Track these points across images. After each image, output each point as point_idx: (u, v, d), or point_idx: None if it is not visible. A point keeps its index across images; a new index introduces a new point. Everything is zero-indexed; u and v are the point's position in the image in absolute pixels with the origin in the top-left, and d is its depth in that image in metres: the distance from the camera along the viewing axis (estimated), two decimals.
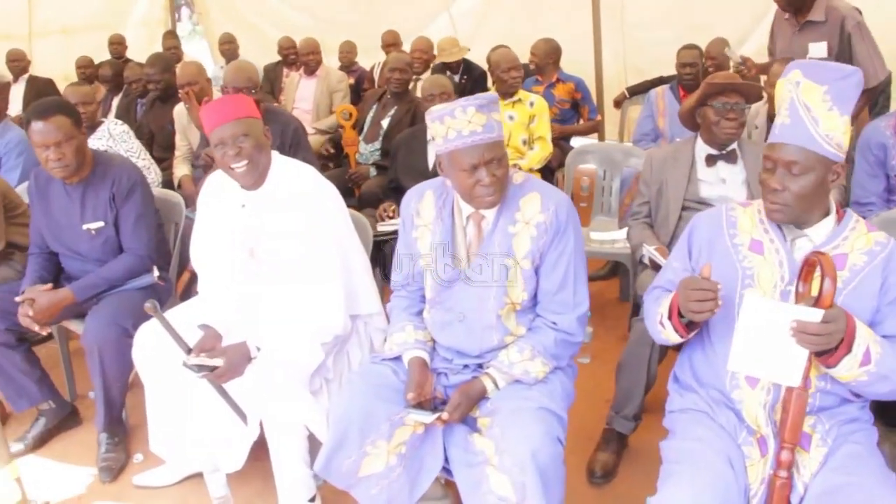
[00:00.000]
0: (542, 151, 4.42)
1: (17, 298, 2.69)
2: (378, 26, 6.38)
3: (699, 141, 3.00)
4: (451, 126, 1.99)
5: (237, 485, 2.56)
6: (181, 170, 4.23)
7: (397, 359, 2.26)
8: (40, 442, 2.94)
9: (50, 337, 3.08)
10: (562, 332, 2.15)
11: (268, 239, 2.44)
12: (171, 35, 7.12)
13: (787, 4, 3.88)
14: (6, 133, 3.90)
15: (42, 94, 5.81)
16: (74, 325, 2.92)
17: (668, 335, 1.95)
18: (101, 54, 6.78)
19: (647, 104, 4.67)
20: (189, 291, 3.45)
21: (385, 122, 4.41)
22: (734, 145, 2.95)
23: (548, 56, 5.09)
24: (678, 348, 2.15)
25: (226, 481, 2.50)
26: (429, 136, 3.69)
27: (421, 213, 2.25)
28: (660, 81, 5.58)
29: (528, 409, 2.01)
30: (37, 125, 2.63)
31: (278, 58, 6.43)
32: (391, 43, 5.99)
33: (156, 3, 7.79)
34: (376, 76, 6.16)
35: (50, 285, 2.77)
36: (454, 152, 2.01)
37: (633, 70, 6.10)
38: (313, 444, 2.36)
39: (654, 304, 2.02)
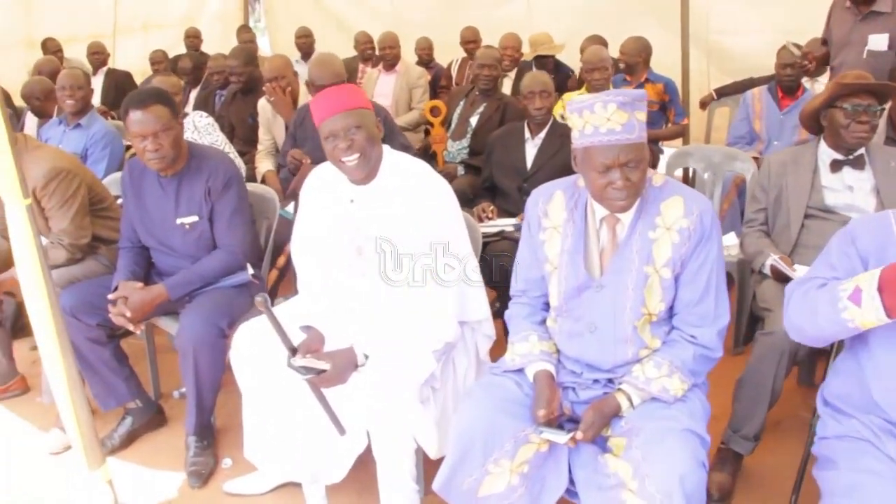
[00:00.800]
0: None
1: (111, 296, 2.59)
2: (453, 22, 6.23)
3: (822, 145, 2.79)
4: (588, 121, 1.84)
5: (332, 495, 2.42)
6: (265, 165, 4.12)
7: (519, 370, 2.09)
8: (126, 442, 2.84)
9: (130, 333, 2.98)
10: (701, 346, 1.97)
11: (378, 235, 2.29)
12: (245, 29, 7.08)
13: None
14: (92, 124, 3.86)
15: (120, 87, 5.82)
16: (164, 323, 2.82)
17: (863, 316, 1.61)
18: (177, 50, 6.80)
19: (743, 106, 4.43)
20: (275, 291, 3.32)
21: (473, 120, 4.26)
22: (862, 150, 2.73)
23: (638, 54, 4.87)
24: (817, 364, 1.92)
25: (325, 493, 2.37)
26: (526, 136, 3.52)
27: (549, 215, 2.08)
28: (750, 83, 5.33)
29: (672, 430, 1.83)
30: (135, 114, 2.53)
31: (352, 53, 6.33)
32: (471, 40, 5.83)
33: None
34: (454, 73, 6.01)
35: (141, 283, 2.65)
36: (589, 149, 1.86)
37: (716, 72, 5.85)
38: (417, 457, 2.22)
39: (820, 291, 1.74)
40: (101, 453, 2.29)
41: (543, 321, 2.16)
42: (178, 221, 2.71)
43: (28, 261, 2.08)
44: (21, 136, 3.05)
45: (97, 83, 5.90)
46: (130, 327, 2.57)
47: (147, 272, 2.82)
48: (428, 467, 2.28)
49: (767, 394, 2.38)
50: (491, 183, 3.57)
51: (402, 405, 2.13)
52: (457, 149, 4.26)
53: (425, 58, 6.21)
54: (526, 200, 3.22)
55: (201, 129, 3.85)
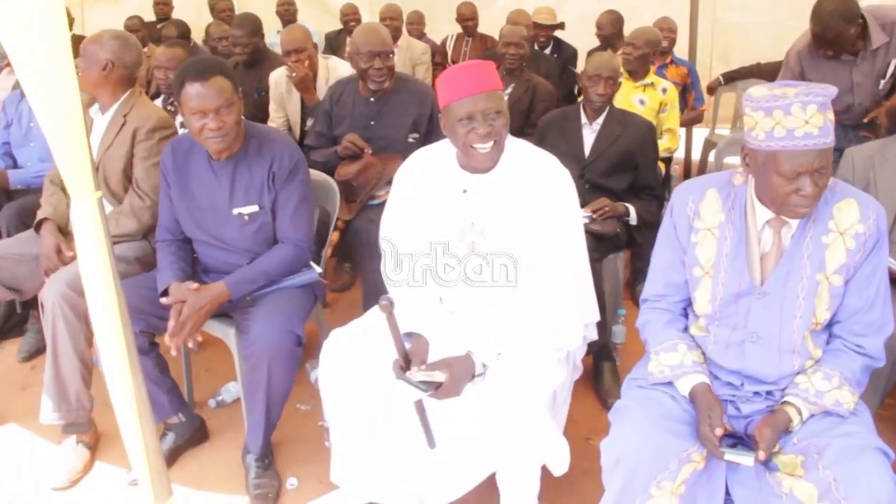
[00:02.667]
0: (671, 144, 4.09)
1: (165, 301, 2.25)
2: None
3: None
4: (780, 122, 1.65)
5: None
6: None
7: (668, 383, 1.89)
8: (170, 461, 2.49)
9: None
10: (868, 356, 1.83)
11: (495, 230, 2.05)
12: None
13: (832, 47, 3.20)
14: None
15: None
16: (216, 328, 2.47)
17: None
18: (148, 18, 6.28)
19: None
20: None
21: None
22: None
23: (612, 26, 4.85)
24: None
25: None
26: (583, 120, 3.29)
27: (702, 215, 1.89)
28: (758, 69, 5.27)
29: (864, 448, 1.67)
30: (194, 87, 2.19)
31: (332, 27, 5.94)
32: (469, 17, 5.54)
33: None
34: (449, 49, 5.72)
35: (196, 284, 2.31)
36: (779, 153, 1.66)
37: (720, 56, 5.76)
38: None
39: None
40: (169, 485, 1.99)
41: (686, 329, 1.97)
42: (235, 211, 2.37)
43: (95, 262, 1.76)
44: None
45: None
46: (190, 344, 2.23)
47: (193, 269, 2.47)
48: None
49: None
50: None
51: (530, 419, 1.90)
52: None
53: (415, 33, 5.87)
54: (585, 189, 3.09)
55: None
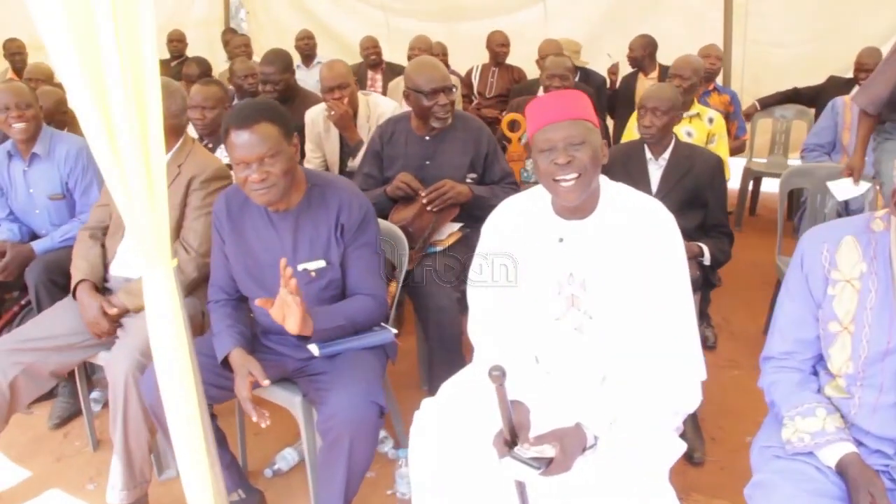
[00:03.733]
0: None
1: (243, 381, 2.05)
2: (451, 30, 5.79)
3: None
4: None
5: None
6: None
7: (809, 453, 1.68)
8: None
9: None
10: None
11: (597, 282, 1.85)
12: (230, 31, 6.42)
13: None
14: (54, 146, 3.10)
15: None
16: (279, 396, 2.24)
17: None
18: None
19: (831, 114, 4.20)
20: None
21: None
22: None
23: (643, 49, 4.81)
24: None
25: None
26: (648, 156, 3.11)
27: (839, 265, 1.70)
28: (795, 94, 5.14)
29: None
30: (236, 136, 1.99)
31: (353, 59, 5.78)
32: (503, 43, 5.39)
33: (215, 3, 7.10)
34: (475, 80, 5.57)
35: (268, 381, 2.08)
36: None
37: (752, 80, 5.62)
38: None
39: None
40: None
41: (819, 389, 1.77)
42: (300, 268, 2.16)
43: (168, 332, 1.56)
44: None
45: None
46: (256, 418, 2.01)
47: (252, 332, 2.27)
48: None
49: None
50: None
51: (652, 496, 1.69)
52: (532, 167, 3.81)
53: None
54: None
55: None
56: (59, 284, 2.89)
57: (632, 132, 4.03)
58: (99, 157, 1.38)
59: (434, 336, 2.71)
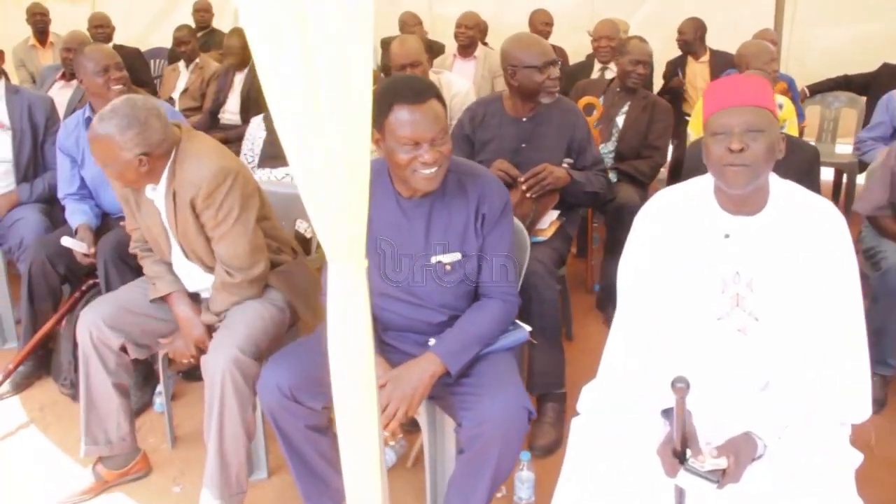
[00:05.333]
0: None
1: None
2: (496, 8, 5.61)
3: None
4: None
5: None
6: None
7: None
8: None
9: None
10: None
11: (765, 281, 1.73)
12: None
13: None
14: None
15: (129, 68, 4.83)
16: None
17: None
18: (164, 21, 5.86)
19: (887, 109, 4.08)
20: None
21: (619, 120, 3.68)
22: None
23: (694, 31, 4.73)
24: None
25: None
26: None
27: None
28: (845, 80, 5.05)
29: None
30: (408, 113, 1.82)
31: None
32: (546, 21, 5.21)
33: None
34: None
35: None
36: None
37: (797, 65, 5.51)
38: None
39: None
40: None
41: None
42: (434, 260, 2.01)
43: (355, 339, 1.41)
44: (180, 125, 2.30)
45: None
46: (391, 441, 1.88)
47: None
48: None
49: None
50: None
51: None
52: (603, 153, 3.68)
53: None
54: None
55: None
56: (129, 264, 2.71)
57: (698, 119, 3.90)
58: (284, 130, 1.21)
59: (536, 329, 2.58)
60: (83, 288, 2.91)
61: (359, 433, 1.49)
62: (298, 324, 2.46)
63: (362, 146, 1.24)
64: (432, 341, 2.02)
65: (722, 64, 4.65)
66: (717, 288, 1.77)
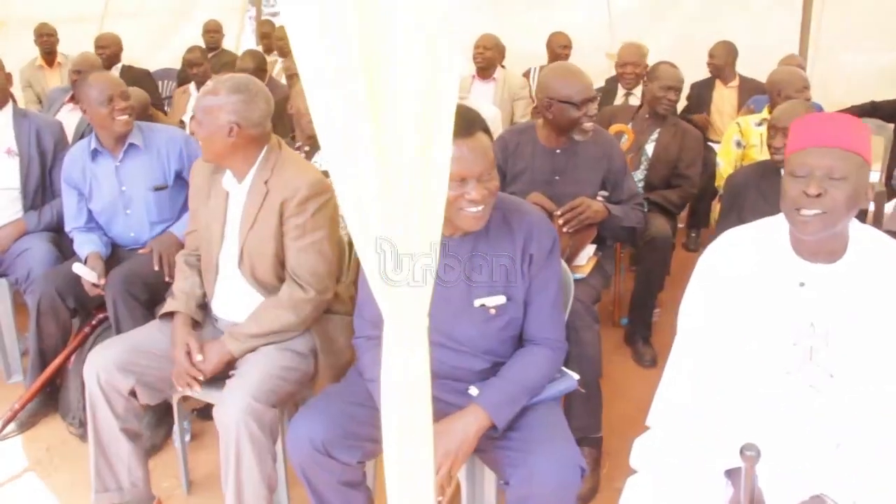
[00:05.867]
0: None
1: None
2: (507, 28, 5.51)
3: None
4: None
5: None
6: None
7: None
8: None
9: None
10: None
11: (842, 335, 1.60)
12: (267, 23, 6.05)
13: None
14: (153, 135, 2.85)
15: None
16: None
17: None
18: (170, 41, 5.75)
19: None
20: None
21: (649, 148, 3.56)
22: None
23: (726, 57, 4.66)
24: None
25: None
26: None
27: None
28: (872, 107, 4.94)
29: None
30: (457, 149, 1.69)
31: None
32: (564, 45, 5.12)
33: None
34: (532, 83, 5.28)
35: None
36: None
37: (822, 92, 5.41)
38: None
39: None
40: None
41: None
42: (478, 303, 1.88)
43: (411, 408, 1.28)
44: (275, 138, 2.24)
45: None
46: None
47: None
48: None
49: None
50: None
51: None
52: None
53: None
54: None
55: None
56: (139, 299, 2.59)
57: (729, 145, 3.80)
58: (334, 152, 1.07)
59: (576, 372, 2.44)
60: (93, 322, 2.77)
61: (413, 497, 1.35)
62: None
63: (440, 193, 1.11)
64: (473, 390, 1.89)
65: (751, 90, 4.55)
66: (789, 339, 1.65)
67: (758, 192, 2.86)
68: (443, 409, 1.92)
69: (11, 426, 2.71)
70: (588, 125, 2.58)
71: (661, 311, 3.48)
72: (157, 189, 2.79)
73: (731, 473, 1.58)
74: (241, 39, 6.77)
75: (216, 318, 2.31)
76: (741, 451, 1.36)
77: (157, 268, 2.60)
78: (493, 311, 1.88)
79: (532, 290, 1.89)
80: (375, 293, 1.19)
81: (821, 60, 5.33)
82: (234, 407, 1.93)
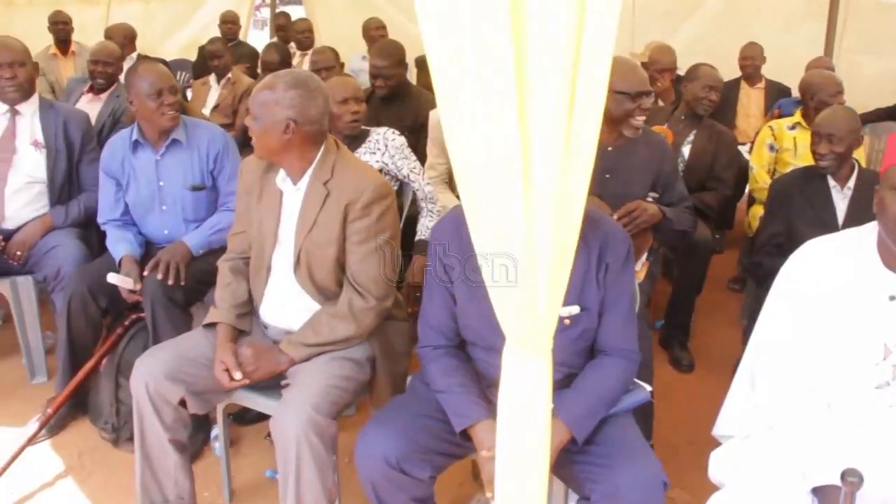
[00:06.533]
0: None
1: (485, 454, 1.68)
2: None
3: None
4: None
5: None
6: (446, 197, 3.19)
7: None
8: None
9: None
10: None
11: None
12: (283, 15, 5.94)
13: None
14: (196, 127, 2.76)
15: None
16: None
17: None
18: (179, 27, 5.64)
19: None
20: None
21: (685, 150, 3.51)
22: None
23: (758, 57, 4.60)
24: None
25: None
26: (831, 184, 2.82)
27: None
28: None
29: None
30: None
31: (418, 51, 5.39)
32: None
33: None
34: None
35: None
36: None
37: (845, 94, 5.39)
38: None
39: None
40: None
41: None
42: None
43: (528, 430, 1.22)
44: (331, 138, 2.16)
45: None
46: None
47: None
48: None
49: None
50: (784, 239, 2.83)
51: None
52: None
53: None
54: None
55: (393, 150, 2.90)
56: (177, 302, 2.50)
57: (762, 149, 3.76)
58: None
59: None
60: (126, 323, 2.68)
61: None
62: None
63: (576, 217, 1.04)
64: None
65: (777, 94, 4.51)
66: (878, 354, 1.62)
67: (804, 197, 2.83)
68: None
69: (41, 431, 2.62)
70: (639, 120, 2.51)
71: (694, 316, 3.44)
72: (195, 189, 2.70)
73: (819, 491, 1.52)
74: (248, 31, 6.65)
75: (265, 324, 2.22)
76: (842, 477, 1.32)
77: (160, 277, 2.48)
78: (567, 322, 1.81)
79: (607, 299, 1.82)
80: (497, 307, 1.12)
81: (843, 63, 5.29)
82: (294, 420, 1.85)
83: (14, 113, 2.92)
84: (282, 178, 2.13)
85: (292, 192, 2.12)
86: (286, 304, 2.17)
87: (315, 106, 2.03)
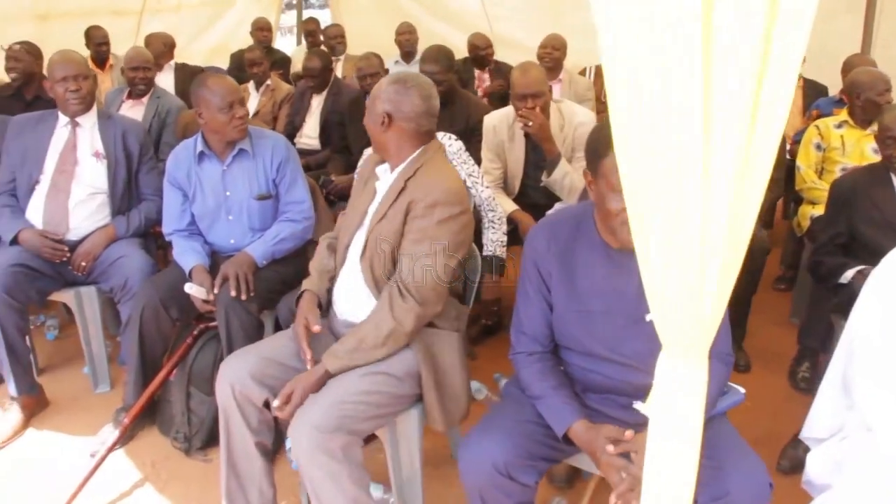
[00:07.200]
0: None
1: (614, 449, 1.68)
2: (549, 24, 5.45)
3: None
4: None
5: None
6: (504, 201, 3.20)
7: None
8: None
9: None
10: None
11: None
12: (312, 21, 5.95)
13: None
14: (262, 137, 2.78)
15: None
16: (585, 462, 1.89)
17: None
18: (204, 36, 5.65)
19: None
20: None
21: None
22: None
23: None
24: None
25: None
26: (894, 180, 2.82)
27: None
28: None
29: None
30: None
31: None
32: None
33: None
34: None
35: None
36: None
37: None
38: None
39: None
40: None
41: None
42: (649, 317, 1.80)
43: (680, 443, 1.22)
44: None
45: (166, 81, 4.70)
46: None
47: None
48: None
49: None
50: (848, 239, 2.83)
51: None
52: None
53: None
54: None
55: (453, 155, 2.91)
56: (250, 310, 2.52)
57: (809, 148, 3.75)
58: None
59: None
60: (195, 333, 2.69)
61: None
62: None
63: (749, 223, 1.04)
64: (639, 405, 1.83)
65: (814, 93, 4.50)
66: None
67: (869, 199, 2.79)
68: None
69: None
70: None
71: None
72: (261, 198, 2.72)
73: None
74: (275, 36, 6.68)
75: (335, 313, 2.22)
76: None
77: (232, 293, 2.48)
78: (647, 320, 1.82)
79: None
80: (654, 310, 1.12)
81: (878, 59, 5.28)
82: (297, 439, 1.85)
83: (74, 125, 2.94)
84: (383, 168, 2.18)
85: (383, 182, 2.17)
86: (351, 294, 2.16)
87: (408, 102, 2.08)
